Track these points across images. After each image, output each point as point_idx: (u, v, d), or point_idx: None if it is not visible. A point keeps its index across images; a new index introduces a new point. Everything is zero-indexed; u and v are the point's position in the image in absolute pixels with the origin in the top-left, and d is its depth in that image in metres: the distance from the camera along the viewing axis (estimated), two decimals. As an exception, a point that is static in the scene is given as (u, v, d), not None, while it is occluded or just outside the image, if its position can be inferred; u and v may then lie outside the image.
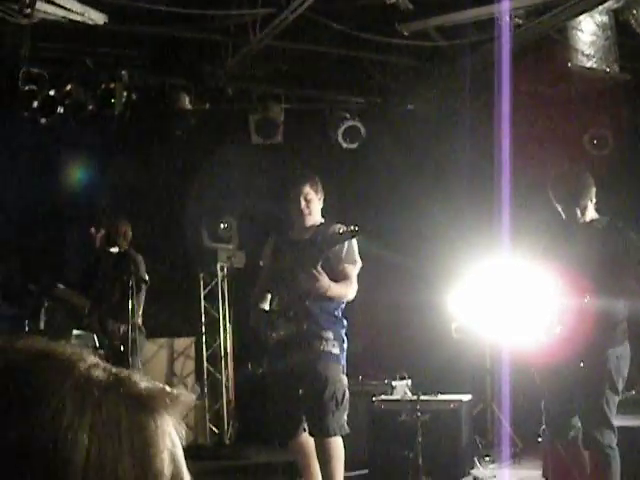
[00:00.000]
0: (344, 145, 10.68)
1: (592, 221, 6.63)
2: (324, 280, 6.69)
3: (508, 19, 8.39)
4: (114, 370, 1.09)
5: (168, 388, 1.10)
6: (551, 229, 6.96)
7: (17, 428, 1.00)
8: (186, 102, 10.23)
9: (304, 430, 6.87)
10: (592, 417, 6.44)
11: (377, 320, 10.81)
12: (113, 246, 8.60)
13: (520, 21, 8.92)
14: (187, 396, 1.11)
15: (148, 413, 1.06)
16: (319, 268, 6.67)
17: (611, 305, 6.34)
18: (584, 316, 6.26)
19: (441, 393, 9.00)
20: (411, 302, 9.90)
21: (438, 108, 10.90)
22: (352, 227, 6.57)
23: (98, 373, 1.07)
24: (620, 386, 6.50)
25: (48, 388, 1.03)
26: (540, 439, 8.58)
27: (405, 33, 8.96)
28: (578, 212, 6.59)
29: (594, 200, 6.64)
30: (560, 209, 6.68)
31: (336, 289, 6.80)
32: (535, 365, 6.99)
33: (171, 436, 1.08)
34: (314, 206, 6.98)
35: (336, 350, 6.80)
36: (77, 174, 10.90)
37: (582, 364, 6.31)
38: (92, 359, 1.10)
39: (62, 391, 1.03)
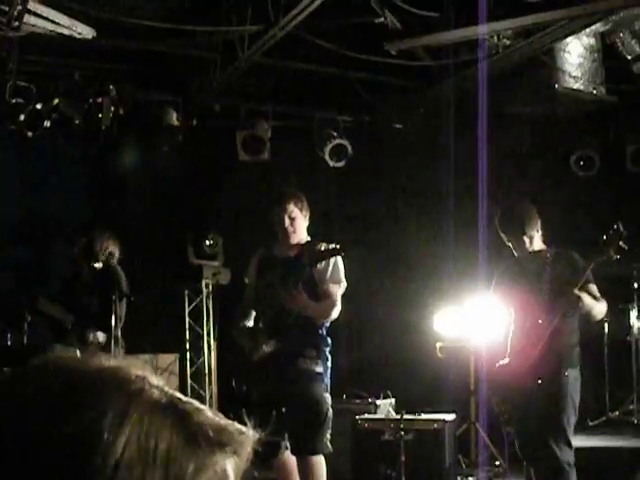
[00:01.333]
0: (331, 163, 10.67)
1: (540, 251, 6.93)
2: (301, 299, 6.67)
3: (487, 40, 8.44)
4: (178, 396, 1.09)
5: (232, 427, 1.08)
6: (502, 262, 7.16)
7: (59, 427, 1.01)
8: (173, 118, 10.21)
9: (286, 448, 6.84)
10: (552, 433, 6.60)
11: (362, 339, 10.80)
12: (97, 261, 8.56)
13: (508, 42, 8.95)
14: (245, 437, 1.09)
15: (194, 445, 1.05)
16: (299, 287, 6.66)
17: (566, 329, 6.71)
18: (539, 340, 6.48)
19: (425, 413, 8.98)
20: (396, 321, 9.90)
21: (425, 127, 10.92)
22: (334, 246, 6.57)
23: (154, 393, 1.07)
24: (576, 408, 6.66)
25: (95, 397, 1.04)
26: (498, 463, 8.70)
27: (393, 52, 8.97)
28: (527, 242, 6.90)
29: (540, 232, 6.95)
30: (510, 245, 6.91)
31: (315, 309, 6.79)
32: (493, 393, 7.11)
33: (217, 474, 1.07)
34: (299, 224, 6.95)
35: (319, 368, 6.78)
36: (62, 187, 10.85)
37: (540, 381, 6.49)
38: (156, 381, 1.10)
39: (108, 402, 1.04)
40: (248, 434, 1.09)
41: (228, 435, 1.07)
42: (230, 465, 1.08)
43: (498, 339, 7.09)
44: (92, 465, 0.99)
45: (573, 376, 6.68)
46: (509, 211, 7.11)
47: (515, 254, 7.01)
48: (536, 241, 6.93)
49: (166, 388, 1.09)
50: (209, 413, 1.08)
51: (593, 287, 6.67)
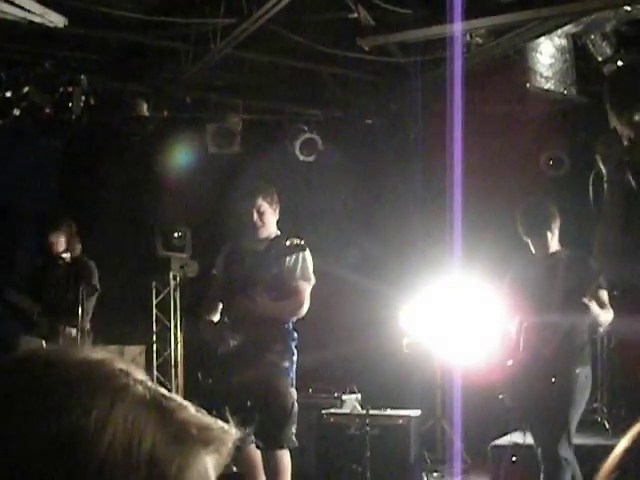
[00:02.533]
0: (301, 157, 10.65)
1: (556, 252, 6.85)
2: (259, 303, 6.68)
3: (461, 39, 8.45)
4: (162, 392, 1.07)
5: (215, 424, 1.07)
6: (519, 260, 7.13)
7: (42, 425, 0.99)
8: (144, 109, 10.17)
9: (252, 442, 6.83)
10: (555, 432, 6.63)
11: (329, 334, 10.80)
12: (66, 252, 8.52)
13: (480, 40, 8.98)
14: (228, 434, 1.08)
15: (178, 443, 1.03)
16: (259, 290, 6.66)
17: (578, 328, 6.71)
18: (550, 338, 6.52)
19: (391, 408, 9.01)
20: (363, 317, 9.91)
21: (396, 124, 10.93)
22: (298, 241, 6.57)
23: (138, 389, 1.05)
24: (583, 406, 6.71)
25: (80, 394, 1.01)
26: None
27: (365, 48, 8.97)
28: (549, 238, 6.82)
29: (557, 232, 6.83)
30: (529, 242, 6.88)
31: (275, 310, 6.79)
32: (502, 388, 7.12)
33: (200, 472, 1.06)
34: (267, 218, 6.92)
35: (285, 363, 6.79)
36: (32, 177, 10.78)
37: (554, 380, 6.54)
38: (139, 376, 1.08)
39: (93, 398, 1.01)
40: (231, 432, 1.08)
41: (212, 433, 1.05)
42: (211, 463, 1.07)
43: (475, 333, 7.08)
44: (77, 465, 0.98)
45: (584, 374, 6.71)
46: (533, 207, 7.04)
47: (533, 252, 6.94)
48: (554, 242, 6.91)
49: (150, 383, 1.07)
50: (193, 410, 1.06)
51: (603, 294, 6.65)
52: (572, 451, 6.70)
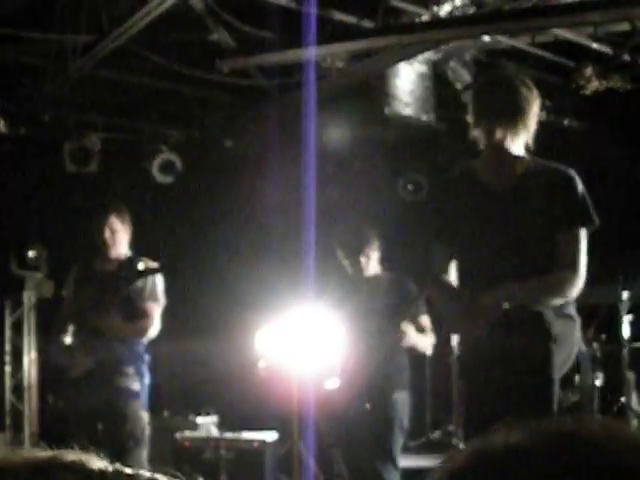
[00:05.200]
0: (159, 178, 10.53)
1: (375, 275, 6.93)
2: (113, 323, 6.63)
3: (317, 63, 8.50)
4: (124, 473, 1.01)
5: None
6: (339, 283, 7.19)
7: None
8: (0, 125, 9.96)
9: (103, 467, 6.73)
10: (379, 455, 6.66)
11: (185, 355, 10.72)
12: None
13: (341, 65, 9.05)
14: None
15: None
16: (112, 311, 6.61)
17: (394, 352, 6.76)
18: (367, 362, 6.57)
19: (248, 431, 8.97)
20: (220, 338, 9.87)
21: (256, 146, 10.91)
22: (153, 265, 6.56)
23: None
24: (404, 430, 6.78)
25: None
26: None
27: (225, 70, 8.95)
28: (363, 262, 6.88)
29: (377, 254, 6.93)
30: (347, 264, 6.95)
31: (125, 330, 6.74)
32: (320, 412, 7.19)
33: None
34: (119, 237, 6.90)
35: (136, 386, 6.74)
36: None
37: (368, 406, 6.57)
38: (94, 464, 1.05)
39: None
40: None
41: None
42: None
43: (326, 358, 7.12)
44: None
45: (402, 399, 6.79)
46: (349, 230, 7.17)
47: (350, 273, 7.03)
48: (372, 263, 6.97)
49: (109, 467, 1.03)
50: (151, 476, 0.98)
51: (424, 319, 6.76)
52: (399, 475, 6.76)
